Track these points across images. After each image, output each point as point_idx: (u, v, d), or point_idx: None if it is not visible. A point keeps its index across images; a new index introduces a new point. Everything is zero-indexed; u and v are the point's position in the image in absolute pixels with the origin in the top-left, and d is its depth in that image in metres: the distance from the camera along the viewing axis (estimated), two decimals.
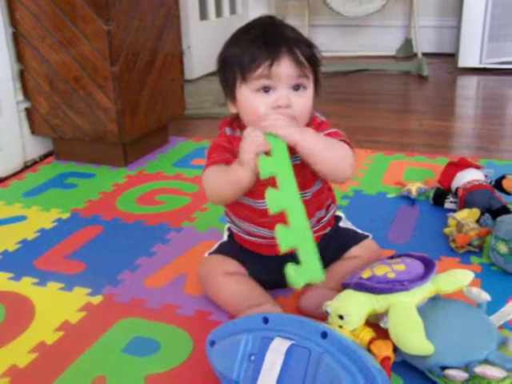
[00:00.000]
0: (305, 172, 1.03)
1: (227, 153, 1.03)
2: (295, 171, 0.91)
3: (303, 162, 1.00)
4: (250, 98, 0.99)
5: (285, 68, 0.96)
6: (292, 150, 0.95)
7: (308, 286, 0.90)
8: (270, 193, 0.89)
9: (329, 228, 1.15)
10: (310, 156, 0.96)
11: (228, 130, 1.07)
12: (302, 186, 0.96)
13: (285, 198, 0.89)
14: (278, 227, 0.87)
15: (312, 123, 1.05)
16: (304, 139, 0.95)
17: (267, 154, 0.93)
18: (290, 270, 0.84)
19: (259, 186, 0.97)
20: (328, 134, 1.03)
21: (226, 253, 1.12)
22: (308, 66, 0.99)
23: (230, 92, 1.03)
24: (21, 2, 1.76)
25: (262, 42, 0.97)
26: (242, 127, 1.01)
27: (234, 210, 1.12)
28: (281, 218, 0.88)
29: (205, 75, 3.19)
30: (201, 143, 2.07)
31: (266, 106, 0.97)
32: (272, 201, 0.89)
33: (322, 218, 1.13)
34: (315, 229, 1.11)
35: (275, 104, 0.97)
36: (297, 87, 0.98)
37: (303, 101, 0.99)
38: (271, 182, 0.91)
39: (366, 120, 2.35)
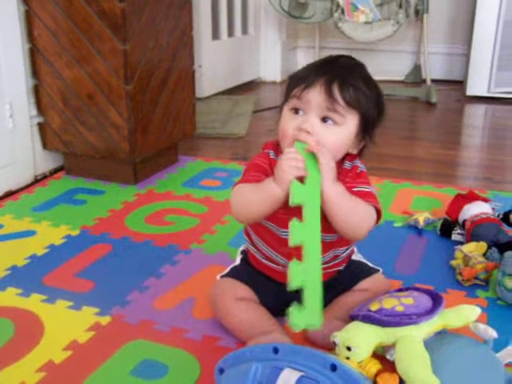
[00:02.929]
0: None
1: (264, 175, 1.03)
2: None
3: None
4: (283, 116, 1.03)
5: (313, 95, 0.99)
6: None
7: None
8: (293, 225, 0.90)
9: (343, 265, 1.15)
10: (331, 207, 0.97)
11: (272, 154, 1.07)
12: (330, 229, 0.98)
13: (306, 231, 0.90)
14: (292, 264, 0.88)
15: (352, 170, 1.07)
16: (331, 189, 0.95)
17: (301, 179, 0.94)
18: (294, 311, 0.87)
19: (286, 215, 0.98)
20: (360, 193, 1.03)
21: (237, 277, 1.13)
22: (344, 105, 0.99)
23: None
24: (39, 18, 1.79)
25: (313, 70, 1.02)
26: None
27: (257, 230, 1.12)
28: (300, 251, 0.89)
29: (215, 94, 3.22)
30: (210, 164, 2.09)
31: (292, 127, 1.00)
32: (294, 233, 0.90)
33: (339, 255, 1.13)
34: (330, 264, 1.11)
35: (299, 126, 0.99)
36: (325, 119, 1.00)
37: (330, 136, 1.00)
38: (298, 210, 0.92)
39: (373, 146, 2.35)
